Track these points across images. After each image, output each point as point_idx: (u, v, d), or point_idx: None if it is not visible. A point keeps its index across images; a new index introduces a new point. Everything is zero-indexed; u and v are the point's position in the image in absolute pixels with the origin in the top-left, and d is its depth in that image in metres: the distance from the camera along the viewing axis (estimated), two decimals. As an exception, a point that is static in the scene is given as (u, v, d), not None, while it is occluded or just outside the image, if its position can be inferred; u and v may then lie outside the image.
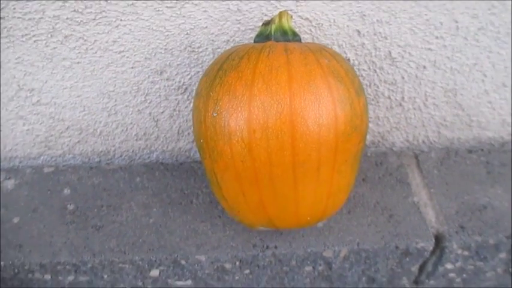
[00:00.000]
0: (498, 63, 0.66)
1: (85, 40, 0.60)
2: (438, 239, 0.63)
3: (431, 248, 0.62)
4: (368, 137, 0.74)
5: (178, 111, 0.69)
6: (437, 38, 0.63)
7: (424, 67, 0.66)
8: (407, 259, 0.63)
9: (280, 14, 0.53)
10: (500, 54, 0.65)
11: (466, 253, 0.64)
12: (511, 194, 0.67)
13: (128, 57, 0.62)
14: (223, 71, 0.49)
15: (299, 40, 0.55)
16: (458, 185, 0.68)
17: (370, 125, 0.72)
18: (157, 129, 0.71)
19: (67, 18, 0.58)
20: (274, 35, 0.53)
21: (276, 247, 0.61)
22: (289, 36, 0.53)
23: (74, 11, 0.57)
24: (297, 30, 0.59)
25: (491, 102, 0.71)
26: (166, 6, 0.57)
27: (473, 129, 0.74)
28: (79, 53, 0.61)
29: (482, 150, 0.74)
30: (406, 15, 0.60)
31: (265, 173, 0.48)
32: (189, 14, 0.58)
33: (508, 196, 0.67)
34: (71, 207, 0.66)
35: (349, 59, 0.64)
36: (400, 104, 0.70)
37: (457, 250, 0.63)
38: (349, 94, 0.48)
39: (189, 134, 0.72)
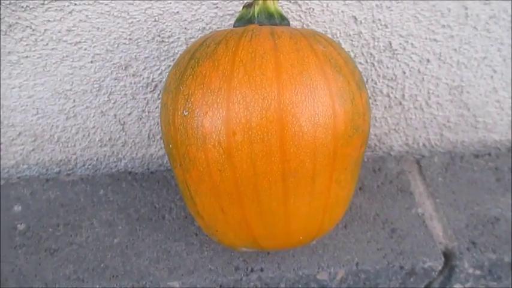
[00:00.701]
0: (509, 57, 0.62)
1: (33, 30, 0.53)
2: (447, 257, 0.57)
3: (440, 268, 0.56)
4: (364, 140, 0.67)
5: (148, 112, 0.62)
6: (443, 27, 0.57)
7: (428, 61, 0.60)
8: (411, 280, 0.57)
9: (265, -6, 0.45)
10: (512, 46, 0.59)
11: (478, 272, 0.59)
12: (524, 203, 0.61)
13: (85, 49, 0.55)
14: (196, 60, 0.41)
15: (287, 25, 0.47)
16: (466, 194, 0.63)
17: (366, 127, 0.66)
18: (124, 133, 0.64)
19: (10, 4, 0.51)
20: (258, 18, 0.45)
21: (262, 270, 0.54)
22: (276, 19, 0.46)
23: None
24: (284, 14, 0.52)
25: (500, 101, 0.66)
26: None
27: (479, 131, 0.69)
28: (27, 45, 0.54)
29: (489, 155, 0.69)
30: (409, -1, 0.54)
31: (248, 185, 0.41)
32: (157, -4, 0.51)
33: None
34: (21, 227, 0.58)
35: (344, 50, 0.58)
36: (400, 103, 0.64)
37: (468, 269, 0.58)
38: (350, 87, 0.41)
39: (161, 138, 0.66)
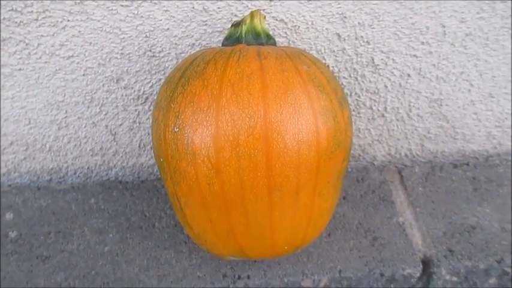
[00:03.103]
0: (485, 71, 0.63)
1: (27, 44, 0.54)
2: (425, 264, 0.59)
3: (418, 275, 0.58)
4: (347, 151, 0.69)
5: (139, 123, 0.63)
6: (423, 43, 0.59)
7: (409, 75, 0.62)
8: (392, 286, 0.59)
9: (252, 14, 0.47)
10: (488, 62, 0.62)
11: (454, 279, 0.60)
12: (499, 213, 0.63)
13: (78, 63, 0.56)
14: (186, 79, 0.42)
15: (274, 44, 0.49)
16: (445, 204, 0.65)
17: (350, 137, 0.67)
18: (115, 143, 0.65)
19: (4, 19, 0.52)
20: (246, 38, 0.47)
21: (248, 277, 0.55)
22: (263, 39, 0.47)
23: (12, 10, 0.51)
24: (270, 33, 0.53)
25: (477, 113, 0.68)
26: (121, 5, 0.51)
27: (458, 142, 0.71)
28: (20, 58, 0.55)
29: (467, 164, 0.70)
30: (390, 18, 0.56)
31: (235, 198, 0.42)
32: (148, 13, 0.52)
33: (496, 215, 0.64)
34: (13, 234, 0.59)
35: (328, 66, 0.60)
36: (383, 115, 0.65)
37: (445, 276, 0.59)
38: (332, 106, 0.43)
39: (151, 148, 0.67)
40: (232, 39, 0.48)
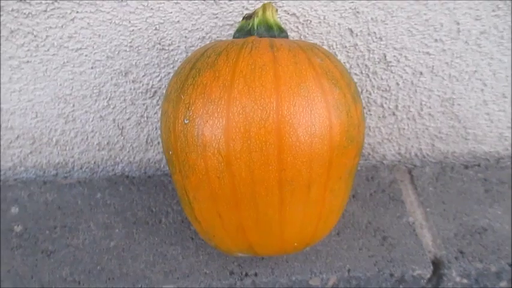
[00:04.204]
0: (499, 71, 0.62)
1: (35, 36, 0.54)
2: (436, 265, 0.58)
3: (428, 276, 0.57)
4: (357, 149, 0.68)
5: (147, 117, 0.63)
6: (436, 41, 0.58)
7: (421, 73, 0.61)
8: (401, 287, 0.57)
9: (264, 6, 0.46)
10: (502, 61, 0.61)
11: (465, 281, 0.59)
12: (511, 215, 0.62)
13: (86, 55, 0.56)
14: (197, 70, 0.42)
15: (286, 37, 0.48)
16: (456, 204, 0.64)
17: (359, 136, 0.66)
18: (122, 137, 0.65)
19: (12, 10, 0.51)
20: (258, 30, 0.46)
21: (256, 275, 0.54)
22: (275, 31, 0.47)
23: (21, 1, 0.50)
24: (283, 26, 0.53)
25: (489, 113, 0.67)
26: None
27: (469, 142, 0.70)
28: (28, 50, 0.55)
29: (479, 165, 0.69)
30: (403, 14, 0.55)
31: (246, 192, 0.41)
32: (158, 6, 0.52)
33: (508, 217, 0.63)
34: (18, 228, 0.58)
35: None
36: (394, 113, 0.65)
37: (455, 278, 0.58)
38: (346, 100, 0.42)
39: (158, 143, 0.66)
40: (244, 32, 0.47)
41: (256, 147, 0.39)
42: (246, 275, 0.54)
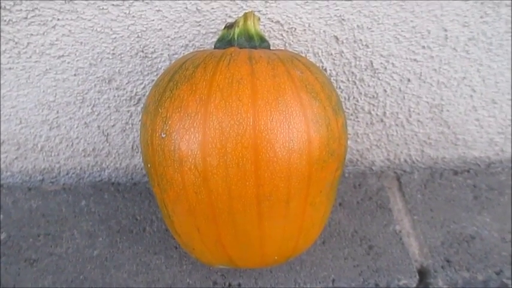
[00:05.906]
0: (488, 77, 0.61)
1: (16, 42, 0.53)
2: (422, 275, 0.58)
3: (414, 286, 0.56)
4: (345, 155, 0.67)
5: (132, 124, 0.62)
6: (423, 47, 0.57)
7: (409, 80, 0.60)
8: None
9: (246, 16, 0.45)
10: (491, 67, 0.60)
11: None
12: (500, 223, 0.62)
13: (69, 62, 0.55)
14: (175, 83, 0.41)
15: (267, 47, 0.47)
16: (444, 212, 0.63)
17: (349, 142, 0.66)
18: (108, 144, 0.64)
19: None
20: (238, 40, 0.45)
21: (239, 285, 0.54)
22: (256, 42, 0.46)
23: (1, 8, 0.49)
24: (266, 35, 0.53)
25: (479, 119, 0.66)
26: (112, 4, 0.50)
27: (459, 148, 0.69)
28: (10, 57, 0.54)
29: (468, 171, 0.69)
30: (390, 21, 0.55)
31: (223, 207, 0.41)
32: (140, 13, 0.51)
33: (497, 225, 0.62)
34: (2, 236, 0.58)
35: (326, 69, 0.58)
36: (382, 120, 0.64)
37: (442, 287, 0.57)
38: (326, 113, 0.41)
39: None
40: (225, 42, 0.46)
41: (233, 162, 0.39)
42: (230, 285, 0.53)
